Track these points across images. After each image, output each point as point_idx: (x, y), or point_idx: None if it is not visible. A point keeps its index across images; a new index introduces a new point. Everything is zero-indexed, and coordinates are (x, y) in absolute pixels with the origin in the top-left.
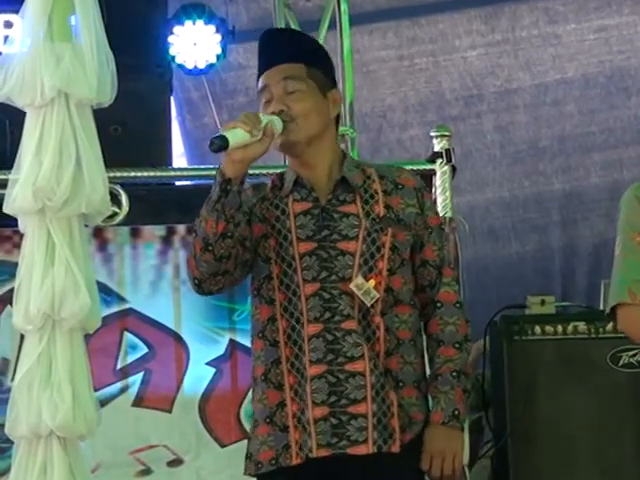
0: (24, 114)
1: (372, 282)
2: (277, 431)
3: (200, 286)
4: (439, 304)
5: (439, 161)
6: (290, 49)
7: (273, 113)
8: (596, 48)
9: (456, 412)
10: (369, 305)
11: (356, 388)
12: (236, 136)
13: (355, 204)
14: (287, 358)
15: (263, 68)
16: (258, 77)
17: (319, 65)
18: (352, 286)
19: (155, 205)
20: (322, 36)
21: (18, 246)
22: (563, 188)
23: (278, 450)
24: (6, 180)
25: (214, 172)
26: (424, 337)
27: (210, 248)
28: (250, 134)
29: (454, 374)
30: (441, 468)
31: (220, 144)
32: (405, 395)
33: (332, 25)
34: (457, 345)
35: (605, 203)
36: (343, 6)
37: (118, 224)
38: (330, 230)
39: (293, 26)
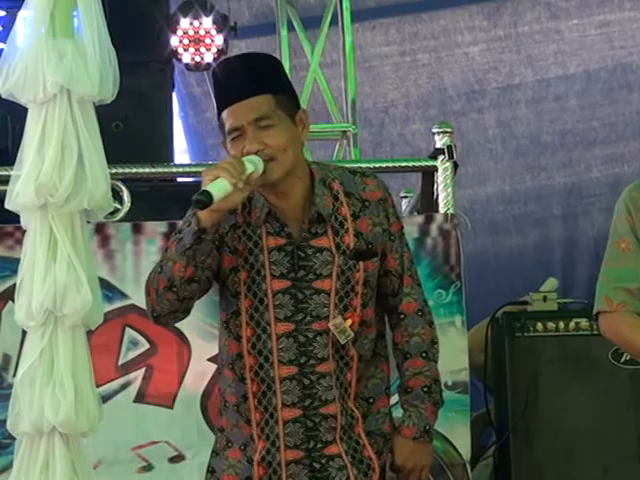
0: (26, 110)
1: (349, 321)
2: (244, 462)
3: (157, 320)
4: (402, 315)
5: (441, 157)
6: (253, 80)
7: (249, 153)
8: (598, 44)
9: (427, 427)
10: (343, 343)
11: (327, 431)
12: (219, 189)
13: (327, 236)
14: (254, 394)
15: (226, 104)
16: (220, 111)
17: (283, 89)
18: (330, 325)
19: (157, 201)
20: (324, 32)
21: (20, 242)
22: (564, 182)
23: (241, 479)
24: (8, 176)
25: None
26: (388, 340)
27: (174, 290)
28: (233, 187)
29: (425, 389)
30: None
31: (205, 201)
32: (380, 407)
33: (334, 21)
34: (424, 355)
35: (606, 197)
36: (345, 2)
37: (120, 220)
38: (305, 270)
39: (295, 22)
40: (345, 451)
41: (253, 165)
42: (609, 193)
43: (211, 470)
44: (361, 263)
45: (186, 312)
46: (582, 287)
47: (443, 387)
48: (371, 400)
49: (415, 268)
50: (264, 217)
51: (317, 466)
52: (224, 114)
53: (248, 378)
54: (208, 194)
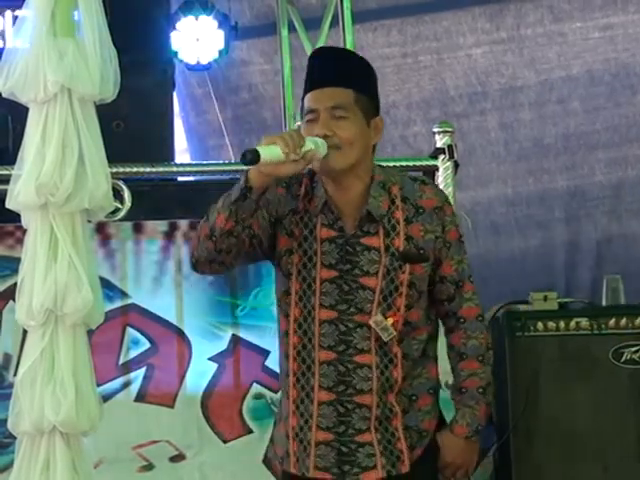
0: (27, 109)
1: (390, 320)
2: (284, 436)
3: (195, 265)
4: (462, 319)
5: (441, 157)
6: (340, 73)
7: (317, 136)
8: (601, 46)
9: (479, 427)
10: (386, 340)
11: (361, 419)
12: (271, 154)
13: (378, 236)
14: (294, 372)
15: (311, 87)
16: (305, 94)
17: (366, 91)
18: (371, 322)
19: (157, 201)
20: (324, 32)
21: (21, 241)
22: (567, 185)
23: (283, 452)
24: (9, 175)
25: (216, 168)
26: (438, 342)
27: (213, 239)
28: (286, 156)
29: (480, 390)
30: (455, 476)
31: (251, 158)
32: (421, 406)
33: (335, 23)
34: (480, 358)
35: (609, 200)
36: (346, 2)
37: (121, 220)
38: (352, 265)
39: (296, 22)
40: (378, 440)
41: (314, 145)
42: (612, 196)
43: (272, 440)
44: (407, 265)
45: (222, 265)
46: (585, 290)
47: (443, 386)
48: (413, 397)
49: (473, 276)
50: (320, 207)
51: (345, 450)
52: (307, 96)
53: (291, 356)
54: (256, 153)
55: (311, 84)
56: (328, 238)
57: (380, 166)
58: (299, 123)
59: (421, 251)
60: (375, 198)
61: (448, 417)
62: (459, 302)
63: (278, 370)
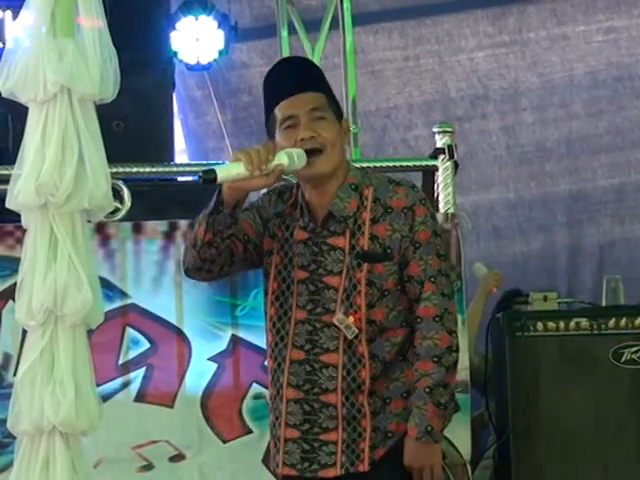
0: (27, 109)
1: (351, 318)
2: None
3: (186, 272)
4: (419, 319)
5: (441, 157)
6: (309, 79)
7: (302, 140)
8: (605, 50)
9: (429, 428)
10: (350, 338)
11: (328, 418)
12: (232, 171)
13: (344, 236)
14: (270, 370)
15: (282, 96)
16: (273, 106)
17: (332, 95)
18: (334, 320)
19: (157, 201)
20: (324, 34)
21: (20, 241)
22: (570, 189)
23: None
24: (9, 175)
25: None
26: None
27: (196, 248)
28: (250, 173)
29: (427, 389)
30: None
31: (207, 178)
32: (392, 409)
33: (335, 23)
34: (435, 359)
35: (612, 205)
36: (346, 4)
37: (120, 220)
38: (317, 265)
39: (295, 22)
40: (343, 439)
41: (288, 158)
42: (615, 200)
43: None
44: (366, 264)
45: (211, 273)
46: (587, 294)
47: None
48: (387, 400)
49: (445, 280)
50: (299, 211)
51: (307, 447)
52: (278, 107)
53: (268, 354)
54: (213, 172)
55: (282, 93)
56: (302, 240)
57: (359, 169)
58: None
59: (387, 250)
60: (341, 199)
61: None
62: (418, 302)
63: None
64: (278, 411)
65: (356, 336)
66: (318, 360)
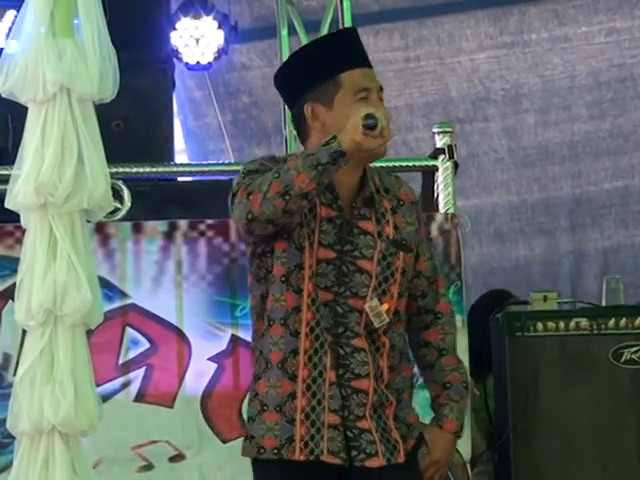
0: (26, 109)
1: (385, 306)
2: (284, 422)
3: (251, 223)
4: (439, 315)
5: (441, 157)
6: (367, 57)
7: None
8: (608, 51)
9: (463, 422)
10: (377, 327)
11: (358, 405)
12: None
13: (372, 221)
14: (305, 351)
15: (354, 64)
16: (339, 70)
17: None
18: (366, 307)
19: (157, 201)
20: (324, 31)
21: (20, 241)
22: (573, 193)
23: (282, 441)
24: (8, 175)
25: (215, 168)
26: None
27: (287, 197)
28: (381, 130)
29: (464, 384)
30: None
31: (374, 124)
32: (406, 399)
33: (335, 24)
34: (457, 355)
35: (616, 209)
36: (346, 3)
37: (120, 219)
38: (352, 246)
39: (295, 21)
40: (375, 428)
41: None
42: (619, 205)
43: (249, 437)
44: (400, 252)
45: (274, 228)
46: (591, 300)
47: None
48: (400, 390)
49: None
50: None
51: (350, 435)
52: (348, 74)
53: (302, 333)
54: (377, 120)
55: (357, 60)
56: (327, 217)
57: None
58: None
59: (403, 242)
60: (370, 184)
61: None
62: (435, 298)
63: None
64: (320, 394)
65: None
66: (349, 344)
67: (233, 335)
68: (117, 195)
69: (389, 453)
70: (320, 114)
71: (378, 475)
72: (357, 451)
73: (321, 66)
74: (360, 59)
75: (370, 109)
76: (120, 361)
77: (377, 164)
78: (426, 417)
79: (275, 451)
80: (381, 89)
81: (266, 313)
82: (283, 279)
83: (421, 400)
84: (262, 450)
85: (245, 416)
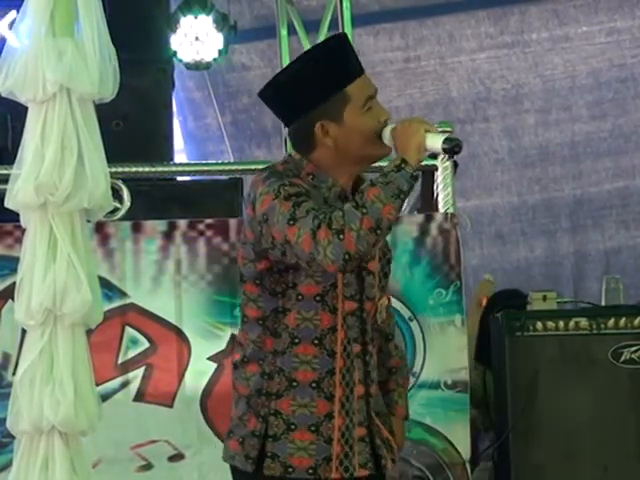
0: (26, 109)
1: (385, 301)
2: (321, 442)
3: (347, 263)
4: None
5: (441, 157)
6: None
7: (385, 121)
8: (608, 51)
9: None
10: (379, 323)
11: (376, 413)
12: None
13: None
14: (340, 370)
15: (354, 75)
16: (343, 85)
17: None
18: (380, 304)
19: (157, 200)
20: (323, 34)
21: (20, 241)
22: (574, 194)
23: (318, 461)
24: (8, 175)
25: (215, 168)
26: None
27: (379, 232)
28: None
29: (406, 367)
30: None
31: (459, 147)
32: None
33: (335, 24)
34: (391, 337)
35: (617, 210)
36: (345, 3)
37: (120, 219)
38: None
39: (295, 21)
40: (388, 436)
41: None
42: (620, 205)
43: (271, 455)
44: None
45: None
46: (593, 301)
47: (443, 386)
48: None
49: None
50: (334, 198)
51: (378, 442)
52: (353, 86)
53: (339, 352)
54: (456, 140)
55: (354, 72)
56: None
57: None
58: None
59: None
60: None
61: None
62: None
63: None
64: (352, 411)
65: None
66: (368, 351)
67: (233, 335)
68: (117, 195)
69: (391, 459)
70: (330, 130)
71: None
72: (384, 459)
73: (326, 82)
74: (358, 66)
75: (447, 135)
76: (119, 361)
77: (377, 164)
78: (426, 418)
79: (310, 471)
80: (376, 91)
81: (287, 330)
82: (318, 298)
83: (420, 400)
84: (290, 469)
85: (257, 431)
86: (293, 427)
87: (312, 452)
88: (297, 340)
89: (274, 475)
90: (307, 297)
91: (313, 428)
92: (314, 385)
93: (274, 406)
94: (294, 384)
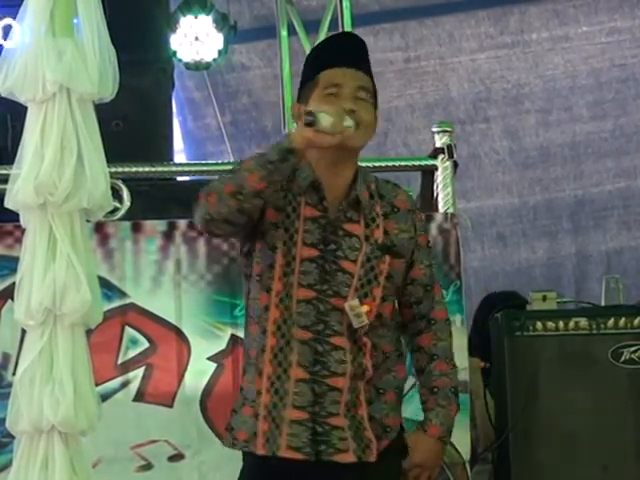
0: (26, 109)
1: (365, 307)
2: (252, 417)
3: (207, 223)
4: (433, 321)
5: (441, 157)
6: (366, 60)
7: (345, 111)
8: (608, 51)
9: (450, 428)
10: (356, 327)
11: (332, 403)
12: (324, 121)
13: (359, 224)
14: (271, 348)
15: (335, 63)
16: (319, 70)
17: (375, 86)
18: (346, 305)
19: (156, 200)
20: (323, 34)
21: (19, 241)
22: (575, 195)
23: (250, 435)
24: (8, 175)
25: (215, 168)
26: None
27: (240, 197)
28: (332, 127)
29: (452, 390)
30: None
31: (312, 120)
32: (387, 400)
33: (335, 24)
34: (448, 360)
35: (618, 211)
36: (345, 3)
37: (119, 219)
38: (336, 246)
39: (295, 21)
40: (348, 426)
41: (352, 124)
42: (621, 206)
43: (230, 428)
44: (387, 257)
45: (233, 226)
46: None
47: None
48: (381, 391)
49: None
50: (305, 187)
51: (320, 430)
52: (326, 72)
53: (269, 331)
54: (315, 116)
55: (336, 60)
56: (311, 217)
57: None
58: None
59: (394, 248)
60: (360, 186)
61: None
62: (430, 304)
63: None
64: (283, 391)
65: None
66: (327, 342)
67: (232, 334)
68: (116, 195)
69: (360, 451)
70: (300, 112)
71: (348, 472)
72: (326, 445)
73: (307, 69)
74: (344, 60)
75: (315, 106)
76: (119, 360)
77: (376, 164)
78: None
79: (245, 444)
80: (362, 88)
81: (248, 310)
82: (257, 278)
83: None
84: (235, 442)
85: (233, 406)
86: (245, 402)
87: (248, 426)
88: (251, 319)
89: (228, 446)
90: (254, 277)
91: (252, 404)
92: (254, 361)
93: (241, 382)
94: (249, 361)
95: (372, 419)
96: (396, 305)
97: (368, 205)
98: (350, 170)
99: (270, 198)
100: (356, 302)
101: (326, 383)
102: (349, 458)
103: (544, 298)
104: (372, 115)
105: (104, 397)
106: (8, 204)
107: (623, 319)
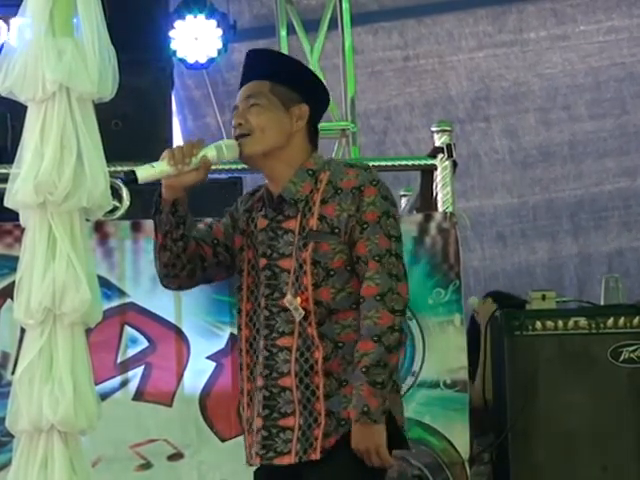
0: (25, 108)
1: (298, 299)
2: (245, 432)
3: (160, 282)
4: (362, 299)
5: (440, 156)
6: (259, 68)
7: (234, 128)
8: (607, 50)
9: (365, 408)
10: (298, 320)
11: (287, 402)
12: (152, 171)
13: (296, 219)
14: (247, 365)
15: (240, 86)
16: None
17: (284, 82)
18: (285, 301)
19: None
20: (323, 34)
21: (19, 240)
22: (575, 195)
23: (246, 451)
24: (7, 174)
25: (215, 167)
26: None
27: (154, 253)
28: (175, 169)
29: (363, 369)
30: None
31: (129, 178)
32: (347, 393)
33: (334, 23)
34: (375, 338)
35: (618, 211)
36: (345, 3)
37: (119, 218)
38: (272, 249)
39: (294, 21)
40: (299, 425)
41: (217, 150)
42: (622, 207)
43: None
44: (311, 243)
45: (177, 279)
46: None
47: (442, 386)
48: (344, 383)
49: (394, 260)
50: (262, 202)
51: (266, 434)
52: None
53: (244, 349)
54: (133, 173)
55: (241, 83)
56: (262, 228)
57: (329, 159)
58: None
59: (335, 230)
60: (294, 184)
61: (445, 417)
62: (363, 282)
63: None
64: (255, 404)
65: (305, 318)
66: (275, 345)
67: (232, 334)
68: (116, 194)
69: (302, 451)
70: None
71: (289, 473)
72: (267, 450)
73: None
74: (242, 80)
75: (163, 154)
76: (119, 360)
77: (376, 164)
78: (425, 417)
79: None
80: (249, 97)
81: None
82: (235, 301)
83: (419, 399)
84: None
85: None
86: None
87: (245, 443)
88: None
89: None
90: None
91: (245, 421)
92: (239, 380)
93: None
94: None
95: (329, 414)
96: (341, 289)
97: (304, 199)
98: (285, 171)
99: (177, 247)
100: (289, 297)
101: (277, 384)
102: (289, 460)
103: (543, 297)
104: (265, 116)
105: (103, 396)
106: (8, 203)
107: (622, 318)
